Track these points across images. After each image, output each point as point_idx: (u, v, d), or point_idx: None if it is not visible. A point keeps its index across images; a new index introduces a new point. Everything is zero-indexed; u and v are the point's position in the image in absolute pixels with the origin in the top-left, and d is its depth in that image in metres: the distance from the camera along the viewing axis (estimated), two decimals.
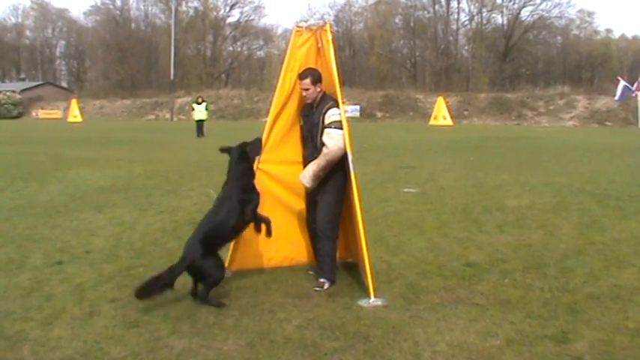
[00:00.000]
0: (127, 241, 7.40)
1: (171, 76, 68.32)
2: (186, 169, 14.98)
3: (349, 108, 51.25)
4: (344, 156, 5.34)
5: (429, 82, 73.32)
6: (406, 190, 11.44)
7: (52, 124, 51.71)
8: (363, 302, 5.06)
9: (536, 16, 74.83)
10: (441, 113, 47.48)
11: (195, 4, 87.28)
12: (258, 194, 5.41)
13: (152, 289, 4.90)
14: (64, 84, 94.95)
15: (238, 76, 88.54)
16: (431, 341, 4.27)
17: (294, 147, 5.89)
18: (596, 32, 79.77)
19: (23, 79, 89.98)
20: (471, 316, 4.76)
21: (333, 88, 5.43)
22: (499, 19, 77.22)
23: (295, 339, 4.32)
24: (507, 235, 7.64)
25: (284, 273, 5.90)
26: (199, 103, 31.69)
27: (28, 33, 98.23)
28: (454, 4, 77.31)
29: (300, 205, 5.94)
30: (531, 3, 73.84)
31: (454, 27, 78.58)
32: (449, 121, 46.75)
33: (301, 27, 5.61)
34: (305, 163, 5.61)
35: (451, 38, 78.38)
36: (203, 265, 5.01)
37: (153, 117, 68.02)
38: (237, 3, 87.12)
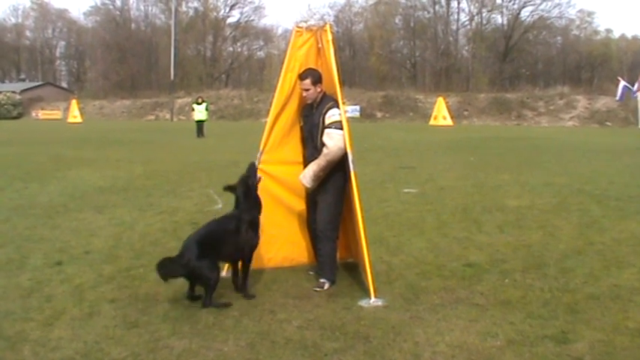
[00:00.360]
0: (126, 241, 7.39)
1: (172, 77, 68.33)
2: (186, 170, 14.98)
3: (349, 108, 51.26)
4: (344, 156, 5.34)
5: (429, 83, 73.35)
6: (406, 190, 11.44)
7: (52, 124, 51.72)
8: (363, 303, 5.06)
9: (536, 17, 74.94)
10: (441, 113, 47.50)
11: (195, 4, 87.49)
12: (259, 237, 5.42)
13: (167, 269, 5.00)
14: (64, 84, 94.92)
15: (238, 76, 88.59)
16: (431, 342, 4.27)
17: (294, 147, 5.89)
18: (596, 32, 79.96)
19: (23, 80, 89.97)
20: (471, 316, 4.76)
21: (333, 89, 5.43)
22: (499, 19, 77.38)
23: (295, 339, 4.32)
24: (507, 235, 7.64)
25: (284, 273, 5.90)
26: (199, 104, 31.69)
27: (28, 33, 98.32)
28: (454, 4, 77.46)
29: (301, 205, 5.94)
30: (531, 3, 73.96)
31: (454, 27, 78.68)
32: (449, 122, 46.77)
33: (301, 27, 5.61)
34: (305, 164, 5.61)
35: (451, 38, 78.43)
36: (197, 267, 5.00)
37: (153, 117, 68.03)
38: (237, 3, 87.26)
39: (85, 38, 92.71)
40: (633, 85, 42.91)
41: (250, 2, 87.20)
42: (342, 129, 5.32)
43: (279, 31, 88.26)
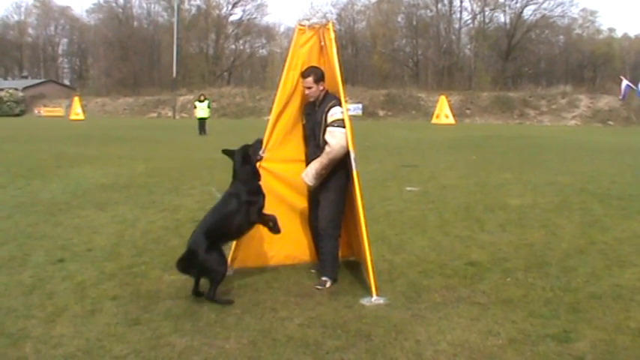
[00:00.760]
0: (128, 239, 7.40)
1: (174, 74, 68.28)
2: (189, 167, 14.98)
3: (352, 106, 51.29)
4: (346, 154, 5.33)
5: (431, 81, 73.37)
6: (408, 188, 11.44)
7: (55, 121, 51.73)
8: (364, 301, 5.06)
9: (538, 15, 74.87)
10: (443, 112, 47.48)
11: (198, 2, 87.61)
12: (263, 196, 5.40)
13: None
14: (66, 82, 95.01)
15: (240, 74, 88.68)
16: (432, 340, 4.27)
17: (296, 145, 5.89)
18: (599, 31, 79.80)
19: (26, 77, 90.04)
20: (472, 315, 4.76)
21: (335, 87, 5.42)
22: (501, 17, 77.38)
23: (297, 337, 4.32)
24: (509, 234, 7.64)
25: (286, 271, 5.91)
26: (201, 101, 31.71)
27: (30, 31, 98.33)
28: (457, 2, 77.51)
29: (303, 203, 5.94)
30: (534, 2, 73.94)
31: (456, 26, 78.68)
32: (451, 120, 46.74)
33: (304, 25, 5.60)
34: (307, 162, 5.61)
35: (453, 37, 78.41)
36: (206, 260, 5.01)
37: (155, 115, 68.05)
38: (239, 1, 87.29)
39: (88, 36, 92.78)
40: (637, 85, 42.90)
41: (253, 0, 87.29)
42: (344, 127, 5.32)
43: (282, 29, 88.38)
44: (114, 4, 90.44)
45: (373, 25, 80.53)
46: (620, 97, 46.83)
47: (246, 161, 5.36)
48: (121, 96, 74.59)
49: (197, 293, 5.15)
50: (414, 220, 8.49)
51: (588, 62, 76.36)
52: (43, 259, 6.40)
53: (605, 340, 4.25)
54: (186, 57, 78.95)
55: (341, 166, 5.42)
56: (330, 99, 5.45)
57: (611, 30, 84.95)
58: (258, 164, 5.50)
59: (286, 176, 5.91)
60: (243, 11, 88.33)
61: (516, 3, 74.77)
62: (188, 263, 5.06)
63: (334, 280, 5.55)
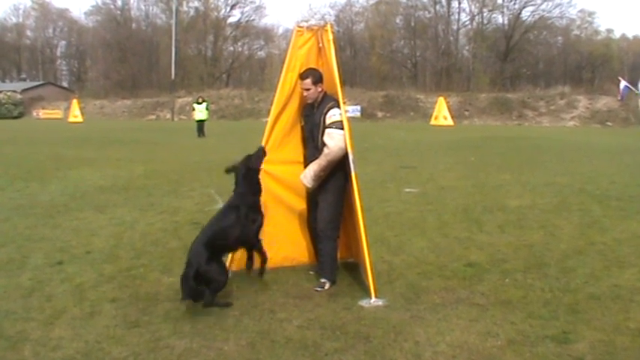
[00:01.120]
0: (127, 241, 7.39)
1: (172, 76, 68.34)
2: (187, 170, 14.98)
3: (350, 108, 51.27)
4: (345, 156, 5.33)
5: (429, 82, 73.38)
6: (407, 190, 11.44)
7: (53, 124, 51.70)
8: (363, 302, 5.06)
9: (537, 16, 74.89)
10: (441, 113, 47.48)
11: (196, 4, 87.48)
12: (262, 216, 5.41)
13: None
14: (64, 84, 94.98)
15: (239, 76, 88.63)
16: (432, 341, 4.27)
17: (295, 147, 5.89)
18: (597, 32, 79.89)
19: (24, 79, 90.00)
20: (471, 316, 4.76)
21: (334, 88, 5.43)
22: (500, 19, 77.34)
23: (296, 339, 4.32)
24: (508, 235, 7.64)
25: (285, 273, 5.90)
26: (200, 103, 31.70)
27: (28, 33, 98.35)
28: (455, 4, 77.48)
29: (301, 205, 5.94)
30: (532, 3, 73.92)
31: (455, 27, 78.64)
32: (449, 121, 46.74)
33: (302, 27, 5.61)
34: (306, 164, 5.61)
35: (452, 38, 78.41)
36: (208, 271, 5.00)
37: (154, 117, 68.03)
38: (237, 3, 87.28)
39: (86, 38, 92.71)
40: (635, 85, 42.92)
41: (251, 2, 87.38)
42: (342, 129, 5.32)
43: (280, 31, 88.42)
44: (112, 7, 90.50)
45: (371, 26, 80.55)
46: (619, 98, 46.84)
47: (247, 176, 5.36)
48: (119, 98, 74.55)
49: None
50: (412, 222, 8.49)
51: (587, 63, 76.41)
52: (42, 262, 6.39)
53: (605, 341, 4.25)
54: (184, 59, 78.94)
55: (339, 167, 5.42)
56: (328, 100, 5.45)
57: (609, 31, 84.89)
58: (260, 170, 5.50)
59: (285, 178, 5.91)
60: (242, 13, 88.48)
61: (514, 4, 74.89)
62: (194, 284, 4.99)
63: (333, 282, 5.54)
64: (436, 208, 9.48)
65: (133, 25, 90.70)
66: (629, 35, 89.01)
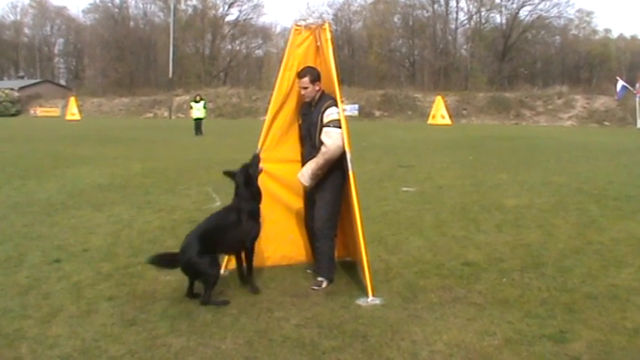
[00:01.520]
0: (124, 239, 7.39)
1: (170, 75, 68.29)
2: (185, 168, 14.97)
3: (348, 107, 51.26)
4: (342, 155, 5.33)
5: (427, 82, 73.40)
6: (404, 189, 11.44)
7: (51, 121, 51.62)
8: (361, 301, 5.07)
9: (534, 16, 75.08)
10: (439, 112, 47.49)
11: (194, 2, 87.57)
12: (260, 226, 5.42)
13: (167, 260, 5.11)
14: (62, 82, 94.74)
15: (237, 74, 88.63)
16: (429, 340, 4.27)
17: (292, 146, 5.89)
18: (595, 32, 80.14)
19: (22, 77, 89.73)
20: (468, 315, 4.77)
21: (331, 87, 5.42)
22: (498, 18, 77.52)
23: (293, 338, 4.32)
24: (505, 234, 7.64)
25: (282, 272, 5.90)
26: (197, 102, 31.67)
27: (26, 31, 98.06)
28: (453, 3, 77.65)
29: (299, 203, 5.94)
30: (530, 2, 74.12)
31: (453, 26, 78.79)
32: (447, 121, 46.75)
33: (300, 26, 5.60)
34: (303, 162, 5.61)
35: (450, 37, 78.54)
36: (199, 263, 5.00)
37: (151, 115, 67.95)
38: (236, 1, 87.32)
39: (84, 36, 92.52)
40: (633, 86, 43.02)
41: (249, 0, 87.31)
42: (340, 127, 5.32)
43: (278, 30, 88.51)
44: (110, 4, 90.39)
45: (369, 25, 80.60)
46: (616, 98, 46.93)
47: (248, 182, 5.36)
48: (117, 96, 74.46)
49: (192, 295, 5.14)
50: (410, 221, 8.49)
51: (584, 63, 76.51)
52: (39, 260, 6.39)
53: (601, 341, 4.26)
54: (182, 57, 78.91)
55: (337, 166, 5.42)
56: (326, 99, 5.45)
57: (607, 31, 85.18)
58: (259, 176, 5.50)
59: (282, 176, 5.91)
60: (240, 11, 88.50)
61: (512, 3, 75.03)
62: (167, 262, 5.10)
63: (330, 281, 5.55)
64: (434, 207, 9.49)
65: (131, 23, 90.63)
66: (627, 35, 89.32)
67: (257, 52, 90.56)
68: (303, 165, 5.59)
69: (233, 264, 5.86)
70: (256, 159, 5.50)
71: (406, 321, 4.64)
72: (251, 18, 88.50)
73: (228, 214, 5.34)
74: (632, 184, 12.06)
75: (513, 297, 5.20)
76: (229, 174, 5.46)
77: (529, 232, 7.72)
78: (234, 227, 5.25)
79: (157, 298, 5.16)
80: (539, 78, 74.41)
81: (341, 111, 5.38)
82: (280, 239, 6.02)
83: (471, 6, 77.13)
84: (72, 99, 57.13)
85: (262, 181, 5.62)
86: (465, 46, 78.93)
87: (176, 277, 5.40)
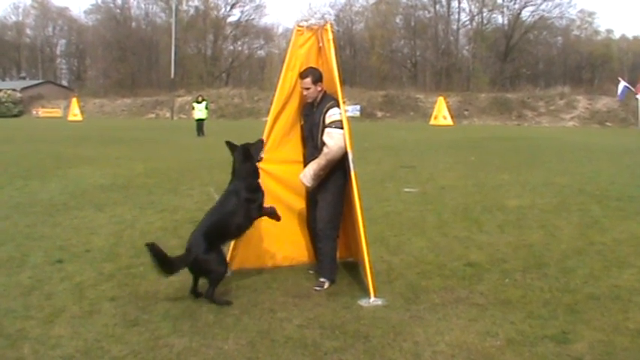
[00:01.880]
0: (127, 239, 7.39)
1: (172, 75, 68.31)
2: (187, 168, 14.98)
3: (350, 107, 51.29)
4: (344, 155, 5.33)
5: (429, 82, 73.41)
6: (406, 189, 11.44)
7: (53, 122, 51.68)
8: (363, 302, 5.06)
9: (536, 17, 74.96)
10: (441, 113, 47.48)
11: (196, 3, 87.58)
12: (262, 193, 5.40)
13: (160, 257, 5.01)
14: (64, 82, 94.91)
15: (239, 75, 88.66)
16: (431, 341, 4.27)
17: (294, 146, 5.89)
18: (597, 33, 79.97)
19: (24, 78, 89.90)
20: (471, 316, 4.76)
21: (333, 88, 5.43)
22: (500, 19, 77.44)
23: (295, 338, 4.32)
24: (508, 235, 7.64)
25: (284, 272, 5.90)
26: (199, 102, 31.67)
27: (28, 31, 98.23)
28: (455, 4, 77.54)
29: (301, 204, 5.95)
30: (532, 3, 73.99)
31: (455, 27, 78.69)
32: (449, 121, 46.75)
33: (302, 26, 5.61)
34: (305, 163, 5.61)
35: (452, 38, 78.45)
36: (206, 260, 5.02)
37: (153, 116, 68.02)
38: (237, 2, 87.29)
39: (86, 36, 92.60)
40: (634, 86, 42.97)
41: (251, 1, 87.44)
42: (342, 128, 5.32)
43: (280, 30, 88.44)
44: (112, 5, 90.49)
45: (371, 26, 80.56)
46: (617, 98, 46.88)
47: (246, 159, 5.35)
48: (119, 97, 74.54)
49: (195, 293, 5.14)
50: (412, 221, 8.49)
51: (586, 63, 76.44)
52: (42, 260, 6.39)
53: (604, 341, 4.25)
54: (184, 58, 78.95)
55: (339, 167, 5.42)
56: (328, 100, 5.46)
57: (609, 31, 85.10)
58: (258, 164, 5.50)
59: (284, 177, 5.91)
60: (242, 12, 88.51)
61: (514, 4, 74.96)
62: (173, 267, 5.04)
63: (332, 281, 5.55)
64: (436, 208, 9.48)
65: (133, 24, 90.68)
66: (629, 35, 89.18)
67: (259, 52, 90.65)
68: (305, 166, 5.59)
69: (235, 265, 5.87)
70: (260, 143, 5.49)
71: (408, 322, 4.64)
72: (253, 19, 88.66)
73: (227, 201, 5.31)
74: (634, 184, 12.05)
75: (516, 298, 5.19)
76: (230, 145, 5.45)
77: (531, 233, 7.72)
78: (236, 212, 5.23)
79: (159, 299, 5.16)
80: (541, 79, 74.40)
81: (343, 112, 5.38)
82: (282, 240, 6.02)
83: (472, 6, 77.16)
84: (74, 100, 57.24)
85: (265, 181, 5.63)
86: (466, 47, 78.92)
87: (178, 278, 5.39)
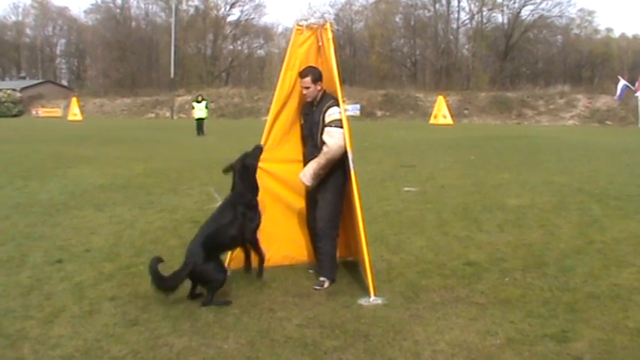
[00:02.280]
0: (127, 239, 7.39)
1: (172, 75, 68.31)
2: (187, 168, 14.98)
3: (349, 107, 51.27)
4: (344, 155, 5.33)
5: (429, 81, 73.44)
6: (406, 188, 11.44)
7: (53, 122, 51.68)
8: (363, 301, 5.07)
9: (536, 15, 75.01)
10: (441, 112, 47.46)
11: (196, 2, 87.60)
12: (260, 215, 5.40)
13: (155, 283, 4.93)
14: (64, 82, 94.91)
15: (238, 74, 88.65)
16: (431, 340, 4.27)
17: (294, 145, 5.89)
18: (597, 31, 79.96)
19: (23, 78, 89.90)
20: (470, 315, 4.76)
21: (333, 87, 5.42)
22: (499, 17, 77.45)
23: (295, 338, 4.32)
24: (507, 234, 7.64)
25: (284, 272, 5.90)
26: (199, 102, 31.68)
27: (28, 31, 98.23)
28: (454, 2, 77.68)
29: (300, 203, 5.94)
30: (532, 2, 74.06)
31: (454, 26, 78.74)
32: (449, 120, 46.72)
33: (302, 25, 5.60)
34: (305, 162, 5.61)
35: (451, 37, 78.46)
36: (205, 270, 5.01)
37: (153, 115, 68.01)
38: (237, 1, 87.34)
39: (86, 36, 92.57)
40: (633, 85, 43.00)
41: (251, 0, 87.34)
42: (342, 127, 5.32)
43: (280, 30, 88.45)
44: (112, 5, 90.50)
45: (371, 25, 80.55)
46: (616, 97, 46.88)
47: (245, 172, 5.35)
48: (118, 96, 74.53)
49: (193, 296, 5.14)
50: (412, 220, 8.49)
51: (586, 62, 76.43)
52: (41, 260, 6.39)
53: (604, 340, 4.26)
54: (184, 57, 78.95)
55: (339, 166, 5.42)
56: (327, 99, 5.45)
57: (608, 30, 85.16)
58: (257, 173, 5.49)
59: (284, 176, 5.91)
60: (241, 12, 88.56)
61: (514, 3, 74.95)
62: (173, 283, 5.00)
63: (332, 281, 5.55)
64: (435, 207, 9.48)
65: (133, 24, 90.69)
66: (629, 34, 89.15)
67: (259, 52, 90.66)
68: (304, 165, 5.59)
69: (235, 264, 5.87)
70: (258, 149, 5.49)
71: (408, 321, 4.64)
72: (253, 18, 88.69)
73: (224, 213, 5.31)
74: (633, 183, 12.05)
75: (515, 297, 5.19)
76: (229, 169, 5.45)
77: (531, 232, 7.72)
78: (232, 225, 5.23)
79: (159, 298, 5.15)
80: (540, 77, 74.34)
81: (342, 111, 5.38)
82: (282, 239, 6.02)
83: (472, 5, 77.17)
84: (74, 99, 57.21)
85: (264, 181, 5.63)
86: (466, 46, 78.93)
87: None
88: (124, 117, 67.64)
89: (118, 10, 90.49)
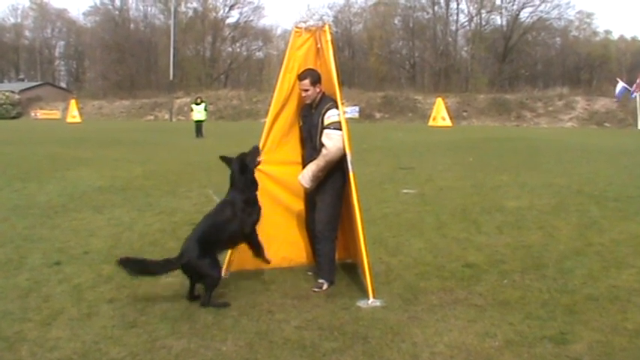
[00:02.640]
0: (125, 241, 7.39)
1: (171, 77, 68.33)
2: (185, 170, 14.98)
3: (348, 109, 51.25)
4: (343, 157, 5.34)
5: (428, 83, 73.40)
6: (405, 191, 11.44)
7: (51, 124, 51.67)
8: (361, 303, 5.06)
9: (535, 18, 74.91)
10: (440, 114, 47.46)
11: (195, 4, 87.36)
12: (259, 209, 5.40)
13: (138, 267, 4.99)
14: (62, 84, 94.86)
15: (237, 76, 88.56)
16: (429, 342, 4.27)
17: (293, 148, 5.89)
18: (595, 33, 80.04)
19: (22, 80, 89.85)
20: (469, 317, 4.76)
21: (332, 89, 5.43)
22: (498, 20, 77.33)
23: (294, 340, 4.32)
24: (506, 236, 7.64)
25: (283, 274, 5.90)
26: (198, 104, 31.71)
27: (27, 33, 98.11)
28: (453, 5, 77.40)
29: (299, 205, 5.94)
30: (530, 4, 73.93)
31: (453, 28, 78.66)
32: (448, 122, 46.72)
33: (300, 28, 5.61)
34: (304, 164, 5.61)
35: (450, 39, 78.42)
36: (199, 265, 5.01)
37: (152, 117, 67.98)
38: (236, 4, 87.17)
39: (84, 38, 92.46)
40: (631, 86, 43.06)
41: (249, 2, 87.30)
42: (341, 129, 5.32)
43: (279, 32, 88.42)
44: (111, 7, 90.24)
45: (370, 27, 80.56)
46: (615, 99, 46.94)
47: (243, 170, 5.35)
48: (117, 99, 74.46)
49: (192, 297, 5.14)
50: (410, 223, 8.49)
51: (585, 64, 76.44)
52: (40, 262, 6.39)
53: (602, 342, 4.26)
54: (182, 60, 78.92)
55: (337, 168, 5.42)
56: (326, 101, 5.46)
57: (607, 32, 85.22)
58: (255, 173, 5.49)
59: (283, 179, 5.91)
60: (240, 14, 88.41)
61: (513, 5, 74.89)
62: (138, 266, 5.04)
63: (331, 283, 5.55)
64: (434, 209, 9.48)
65: (132, 26, 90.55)
66: (628, 36, 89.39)
67: (257, 54, 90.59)
68: (303, 167, 5.59)
69: (234, 266, 5.87)
70: (256, 149, 5.49)
71: (407, 323, 4.64)
72: (251, 20, 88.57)
73: (222, 210, 5.31)
74: (632, 185, 12.06)
75: (514, 298, 5.20)
76: (225, 159, 5.46)
77: (530, 234, 7.72)
78: (230, 222, 5.23)
79: (157, 301, 5.16)
80: (539, 79, 74.34)
81: (341, 113, 5.39)
82: (281, 241, 6.02)
83: (471, 8, 77.10)
84: (72, 101, 57.14)
85: (263, 183, 5.63)
86: (465, 48, 78.85)
87: (177, 280, 5.40)
88: (122, 119, 67.62)
89: (117, 12, 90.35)
